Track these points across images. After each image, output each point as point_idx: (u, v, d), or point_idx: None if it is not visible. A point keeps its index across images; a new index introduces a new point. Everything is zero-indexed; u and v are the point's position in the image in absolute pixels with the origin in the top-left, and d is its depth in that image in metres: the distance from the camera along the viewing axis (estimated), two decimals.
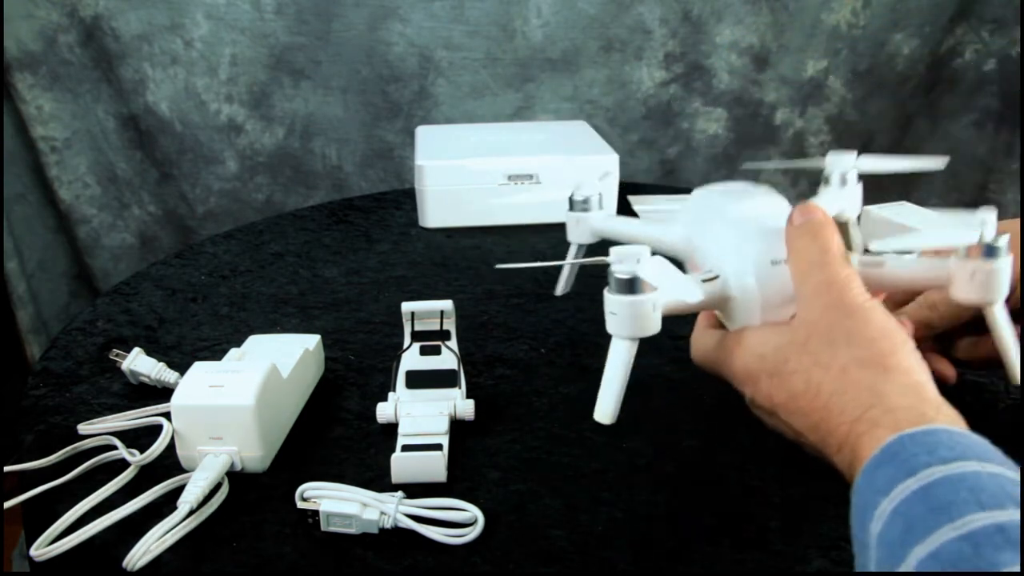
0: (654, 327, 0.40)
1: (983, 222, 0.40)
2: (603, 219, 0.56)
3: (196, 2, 1.19)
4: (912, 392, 0.36)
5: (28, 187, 1.27)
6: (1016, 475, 0.31)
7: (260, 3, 1.19)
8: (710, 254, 0.46)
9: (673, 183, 1.33)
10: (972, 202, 1.33)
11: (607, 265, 0.41)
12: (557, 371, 0.59)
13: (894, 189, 1.34)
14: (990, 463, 0.31)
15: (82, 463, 0.48)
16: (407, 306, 0.53)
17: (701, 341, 0.47)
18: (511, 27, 1.22)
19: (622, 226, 0.55)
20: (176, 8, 1.19)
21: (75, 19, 1.18)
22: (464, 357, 0.54)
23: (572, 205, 0.56)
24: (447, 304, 0.53)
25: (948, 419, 0.35)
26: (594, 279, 0.62)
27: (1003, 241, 0.40)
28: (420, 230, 0.90)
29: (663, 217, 0.53)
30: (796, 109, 1.30)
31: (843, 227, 0.61)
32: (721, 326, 0.47)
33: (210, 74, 1.23)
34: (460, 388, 0.53)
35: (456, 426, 0.52)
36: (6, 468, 0.50)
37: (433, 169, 0.88)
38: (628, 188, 1.00)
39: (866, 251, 0.51)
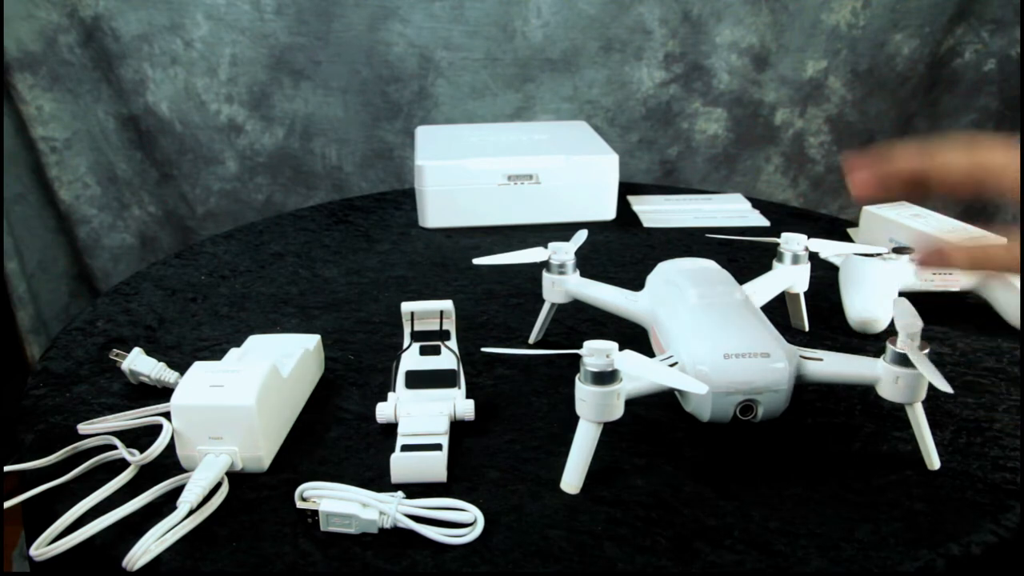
0: (618, 413, 0.45)
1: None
2: (577, 283, 0.60)
3: (196, 2, 1.19)
4: None
5: (28, 187, 1.27)
6: None
7: (260, 3, 1.19)
8: (671, 336, 0.51)
9: (673, 183, 1.33)
10: (972, 202, 1.34)
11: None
12: (557, 371, 0.59)
13: None
14: None
15: (82, 463, 0.48)
16: (407, 306, 0.53)
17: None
18: (511, 27, 1.22)
19: (594, 291, 0.60)
20: (176, 8, 1.19)
21: (75, 19, 1.18)
22: (464, 357, 0.54)
23: (549, 268, 0.60)
24: (447, 304, 0.53)
25: None
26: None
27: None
28: (420, 230, 0.90)
29: (632, 296, 0.58)
30: (796, 109, 1.30)
31: (795, 299, 0.64)
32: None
33: (210, 74, 1.23)
34: (460, 388, 0.53)
35: (456, 426, 0.52)
36: (6, 468, 0.50)
37: (433, 169, 0.88)
38: (628, 188, 1.00)
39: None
